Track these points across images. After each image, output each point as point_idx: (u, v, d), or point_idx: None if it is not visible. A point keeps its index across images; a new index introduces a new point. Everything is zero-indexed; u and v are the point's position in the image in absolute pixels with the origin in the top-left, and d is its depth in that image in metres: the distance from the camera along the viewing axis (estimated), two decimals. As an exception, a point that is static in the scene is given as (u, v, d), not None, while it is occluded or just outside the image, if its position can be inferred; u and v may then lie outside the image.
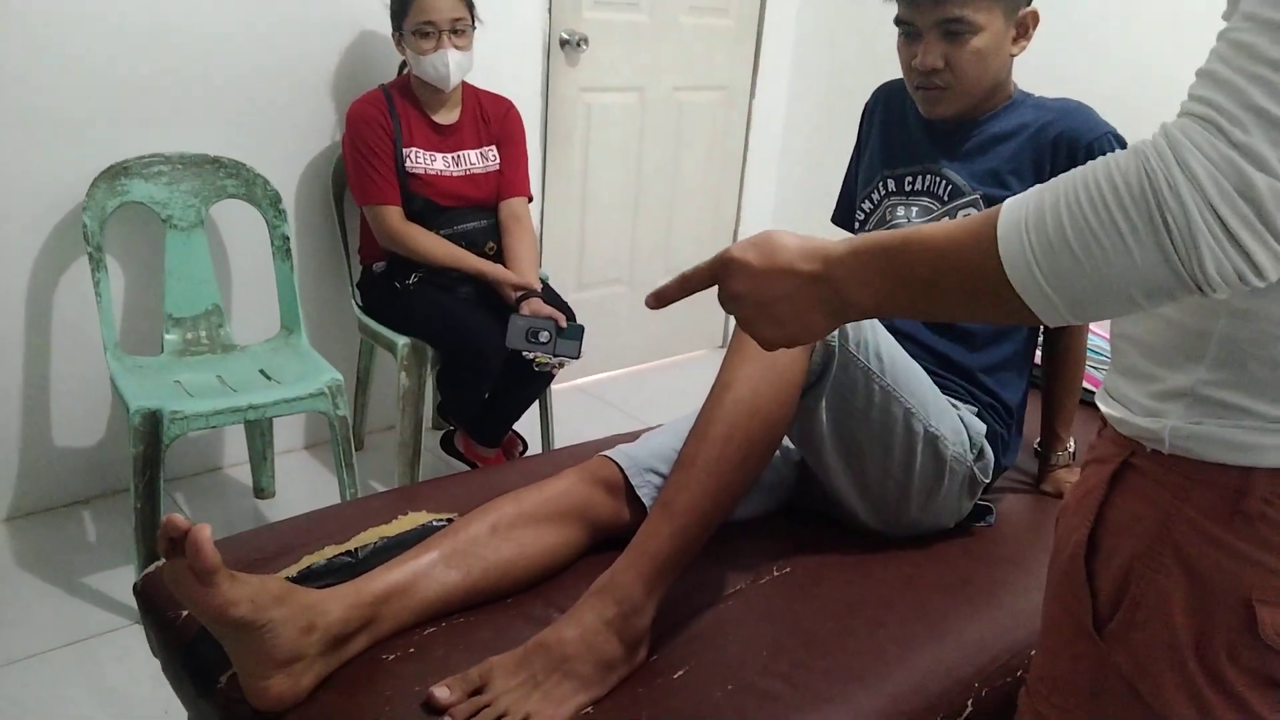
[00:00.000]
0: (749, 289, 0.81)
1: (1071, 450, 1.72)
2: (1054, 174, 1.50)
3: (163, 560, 0.98)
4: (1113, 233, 0.61)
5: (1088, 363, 1.77)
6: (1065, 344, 1.67)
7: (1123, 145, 1.52)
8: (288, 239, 2.27)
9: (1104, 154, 1.56)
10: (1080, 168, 0.65)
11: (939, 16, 1.47)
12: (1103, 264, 0.62)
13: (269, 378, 2.13)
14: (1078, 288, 0.64)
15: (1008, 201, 0.68)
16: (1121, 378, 0.84)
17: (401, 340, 2.26)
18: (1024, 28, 1.54)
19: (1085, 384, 1.75)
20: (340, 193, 2.46)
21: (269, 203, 2.25)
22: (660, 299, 0.90)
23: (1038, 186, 0.67)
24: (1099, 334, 2.10)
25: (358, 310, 2.43)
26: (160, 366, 2.12)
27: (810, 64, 3.43)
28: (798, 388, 1.24)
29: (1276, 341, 0.70)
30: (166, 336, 2.18)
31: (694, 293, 0.88)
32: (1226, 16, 0.65)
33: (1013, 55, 1.56)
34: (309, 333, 2.34)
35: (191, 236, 2.19)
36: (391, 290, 2.33)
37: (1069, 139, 1.49)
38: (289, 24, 2.32)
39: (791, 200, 3.54)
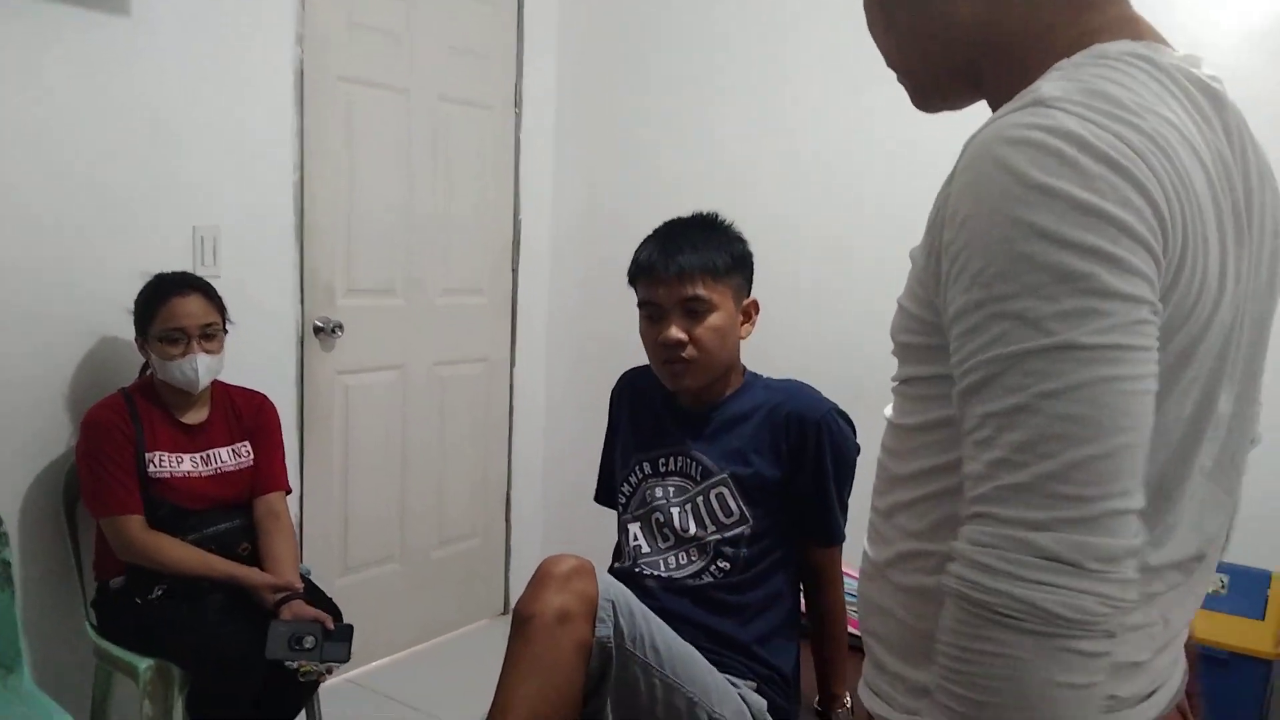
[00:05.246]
0: None
1: (848, 704, 1.78)
2: (789, 449, 1.64)
3: None
4: (991, 661, 0.65)
5: (851, 608, 1.85)
6: (825, 603, 1.75)
7: (845, 418, 1.69)
8: (9, 565, 2.05)
9: (829, 428, 1.70)
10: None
11: (681, 295, 1.62)
12: (1013, 689, 0.65)
13: (-19, 732, 1.85)
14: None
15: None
16: (876, 672, 0.89)
17: (144, 663, 2.04)
18: (748, 314, 1.73)
19: (852, 630, 1.82)
20: (73, 506, 2.27)
21: (-13, 529, 2.05)
22: None
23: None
24: (855, 576, 2.20)
25: (92, 633, 2.19)
26: None
27: (562, 337, 3.62)
28: (578, 699, 1.23)
29: None
30: None
31: None
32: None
33: (741, 339, 1.74)
34: (34, 668, 2.08)
35: (-113, 576, 1.94)
36: (132, 607, 2.13)
37: (798, 418, 1.64)
38: (19, 335, 2.19)
39: (558, 466, 3.62)
